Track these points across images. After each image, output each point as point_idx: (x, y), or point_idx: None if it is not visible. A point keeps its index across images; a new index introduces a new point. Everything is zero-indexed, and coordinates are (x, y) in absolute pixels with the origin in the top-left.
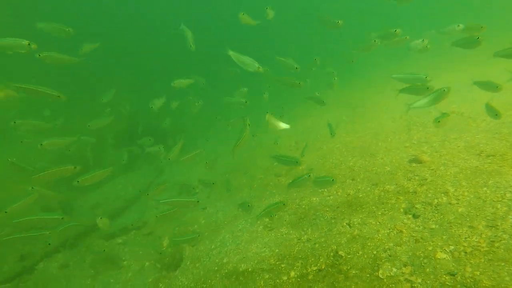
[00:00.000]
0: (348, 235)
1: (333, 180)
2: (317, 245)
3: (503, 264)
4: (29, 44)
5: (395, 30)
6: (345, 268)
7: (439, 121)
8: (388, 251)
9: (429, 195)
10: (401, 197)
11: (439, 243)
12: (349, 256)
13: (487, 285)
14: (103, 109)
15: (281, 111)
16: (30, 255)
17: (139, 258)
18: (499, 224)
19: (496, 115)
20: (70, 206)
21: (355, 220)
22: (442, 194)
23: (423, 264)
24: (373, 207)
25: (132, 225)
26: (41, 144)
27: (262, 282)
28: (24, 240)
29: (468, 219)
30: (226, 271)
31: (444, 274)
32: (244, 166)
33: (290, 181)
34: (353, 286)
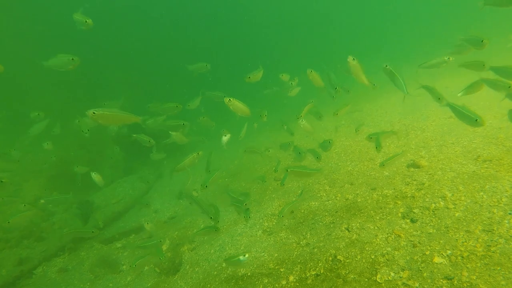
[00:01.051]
0: (347, 240)
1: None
2: (316, 250)
3: (499, 268)
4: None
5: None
6: (343, 273)
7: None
8: (386, 255)
9: (427, 199)
10: (399, 202)
11: (436, 248)
12: (347, 261)
13: None
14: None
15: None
16: (29, 259)
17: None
18: (495, 228)
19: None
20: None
21: (353, 224)
22: (440, 199)
23: (420, 269)
24: (372, 211)
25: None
26: None
27: (261, 286)
28: None
29: (465, 224)
30: (225, 275)
31: (441, 279)
32: (243, 170)
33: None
34: None
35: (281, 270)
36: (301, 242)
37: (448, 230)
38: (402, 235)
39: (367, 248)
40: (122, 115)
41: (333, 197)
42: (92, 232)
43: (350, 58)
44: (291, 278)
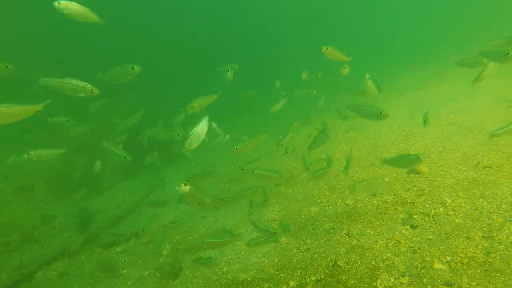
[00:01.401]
0: (347, 245)
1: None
2: (316, 255)
3: (498, 274)
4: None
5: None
6: (343, 278)
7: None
8: (386, 261)
9: (427, 205)
10: (399, 208)
11: (436, 254)
12: (347, 266)
13: None
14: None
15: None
16: (29, 263)
17: (138, 267)
18: (495, 235)
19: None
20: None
21: (353, 230)
22: (440, 205)
23: (420, 275)
24: (372, 217)
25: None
26: None
27: None
28: None
29: (464, 230)
30: (226, 280)
31: (441, 285)
32: (244, 175)
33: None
34: None
35: (282, 275)
36: (302, 248)
37: (448, 236)
38: (402, 241)
39: (367, 254)
40: (17, 109)
41: (334, 202)
42: (123, 234)
43: (324, 48)
44: (292, 283)
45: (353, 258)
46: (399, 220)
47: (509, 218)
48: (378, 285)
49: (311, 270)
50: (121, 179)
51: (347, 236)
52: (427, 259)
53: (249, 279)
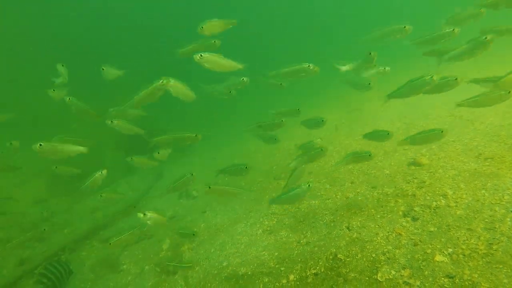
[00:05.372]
0: (347, 238)
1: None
2: (316, 248)
3: (501, 266)
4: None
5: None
6: (344, 271)
7: None
8: (387, 254)
9: (428, 197)
10: (400, 200)
11: (437, 246)
12: (348, 259)
13: None
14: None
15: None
16: (30, 259)
17: (138, 262)
18: (497, 226)
19: None
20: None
21: (354, 223)
22: (441, 197)
23: (421, 267)
24: (372, 210)
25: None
26: None
27: (261, 285)
28: None
29: (466, 222)
30: (226, 274)
31: (443, 277)
32: None
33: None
34: None
35: (282, 269)
36: (302, 241)
37: (449, 228)
38: (403, 233)
39: (367, 247)
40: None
41: (334, 195)
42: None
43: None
44: (292, 277)
45: (353, 251)
46: (400, 213)
47: (511, 209)
48: (379, 278)
49: (311, 264)
50: (120, 175)
51: (347, 229)
52: (429, 251)
53: (249, 273)
